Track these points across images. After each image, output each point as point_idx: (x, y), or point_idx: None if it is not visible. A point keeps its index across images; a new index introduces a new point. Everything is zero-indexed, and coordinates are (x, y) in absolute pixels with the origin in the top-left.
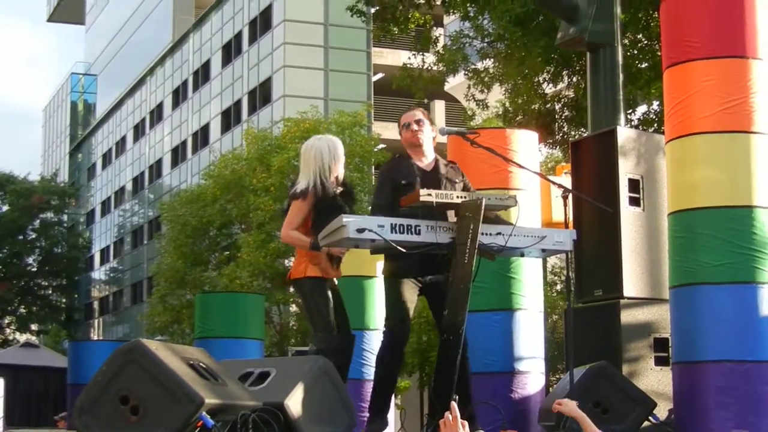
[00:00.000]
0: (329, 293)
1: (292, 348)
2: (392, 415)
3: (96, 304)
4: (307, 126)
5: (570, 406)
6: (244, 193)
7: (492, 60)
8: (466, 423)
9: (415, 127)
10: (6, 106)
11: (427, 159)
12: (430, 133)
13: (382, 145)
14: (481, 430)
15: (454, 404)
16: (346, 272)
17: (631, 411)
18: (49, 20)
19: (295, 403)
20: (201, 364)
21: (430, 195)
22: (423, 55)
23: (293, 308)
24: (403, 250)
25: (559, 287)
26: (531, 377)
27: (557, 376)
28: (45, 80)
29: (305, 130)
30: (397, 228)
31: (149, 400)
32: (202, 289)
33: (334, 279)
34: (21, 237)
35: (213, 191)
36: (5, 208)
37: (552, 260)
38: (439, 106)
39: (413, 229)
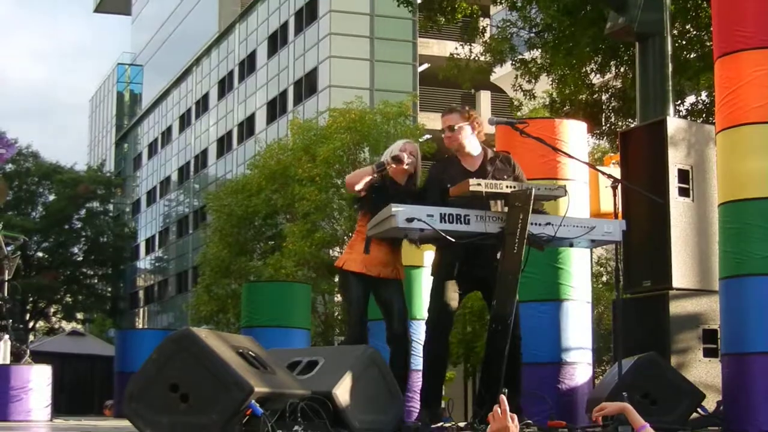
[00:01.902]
0: (356, 287)
1: (338, 338)
2: None
3: (141, 294)
4: (353, 116)
5: (612, 405)
6: (289, 183)
7: (539, 50)
8: (515, 416)
9: (448, 133)
10: (53, 96)
11: (472, 159)
12: (470, 133)
13: (427, 136)
14: (529, 421)
15: (503, 397)
16: None
17: (679, 403)
18: (96, 11)
19: (343, 392)
20: (250, 352)
21: (479, 185)
22: (470, 45)
23: (338, 298)
24: (452, 240)
25: (604, 278)
26: (579, 368)
27: (602, 368)
28: (91, 71)
29: (351, 121)
30: (447, 218)
31: (199, 388)
32: (247, 278)
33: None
34: (67, 226)
35: (258, 181)
36: (52, 197)
37: (598, 251)
38: (485, 97)
39: (462, 219)
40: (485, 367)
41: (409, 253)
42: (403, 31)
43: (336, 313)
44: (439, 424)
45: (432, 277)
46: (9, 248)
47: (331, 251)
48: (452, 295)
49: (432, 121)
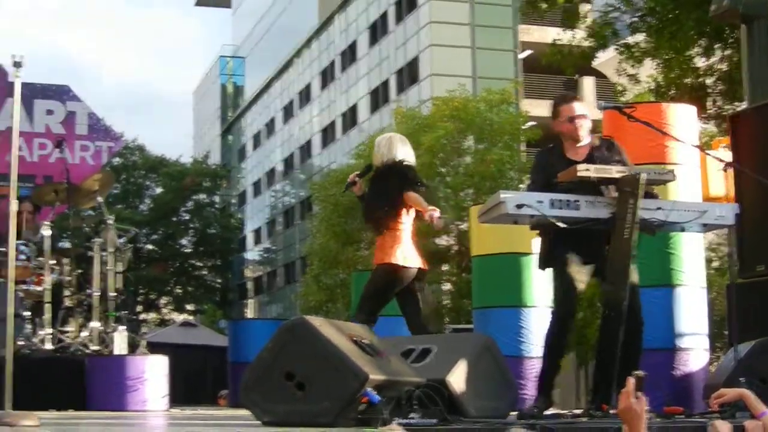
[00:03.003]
0: None
1: (448, 326)
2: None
3: (250, 285)
4: (456, 104)
5: (730, 392)
6: None
7: (643, 34)
8: (642, 397)
9: (579, 122)
10: (158, 90)
11: (580, 149)
12: (589, 124)
13: (531, 123)
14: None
15: (630, 378)
16: (502, 249)
17: None
18: (197, 5)
19: (457, 379)
20: (364, 340)
21: (588, 170)
22: (572, 30)
23: (446, 287)
24: (563, 226)
25: (715, 264)
26: (693, 354)
27: (716, 354)
28: (194, 64)
29: (454, 109)
30: (557, 203)
31: (314, 376)
32: (355, 268)
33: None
34: (175, 219)
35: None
36: (159, 190)
37: (708, 236)
38: (588, 83)
39: (572, 204)
40: (599, 353)
41: (518, 239)
42: (504, 18)
43: (445, 302)
44: (554, 411)
45: (549, 268)
46: (121, 240)
47: (437, 240)
48: (577, 280)
49: (535, 107)
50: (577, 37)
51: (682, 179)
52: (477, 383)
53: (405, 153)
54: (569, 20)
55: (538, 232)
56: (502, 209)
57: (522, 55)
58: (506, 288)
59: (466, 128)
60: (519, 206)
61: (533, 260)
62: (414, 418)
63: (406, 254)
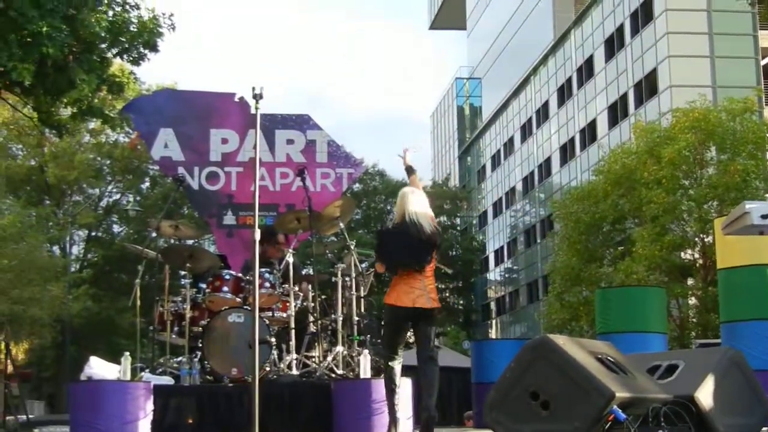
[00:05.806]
0: None
1: (695, 341)
2: None
3: (492, 305)
4: (696, 115)
5: None
6: (635, 187)
7: None
8: None
9: None
10: (395, 113)
11: None
12: None
13: None
14: None
15: None
16: (749, 261)
17: None
18: (431, 28)
19: (705, 395)
20: (609, 357)
21: None
22: None
23: (692, 301)
24: None
25: None
26: None
27: None
28: (430, 87)
29: (694, 120)
30: None
31: (559, 394)
32: (597, 285)
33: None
34: None
35: (604, 187)
36: None
37: None
38: None
39: None
40: None
41: (765, 250)
42: (743, 25)
43: (691, 316)
44: None
45: None
46: (363, 265)
47: (682, 254)
48: None
49: None
50: None
51: None
52: (726, 399)
53: (414, 205)
54: None
55: None
56: (746, 220)
57: (764, 62)
58: (755, 300)
59: (707, 139)
60: (764, 216)
61: None
62: None
63: (396, 294)
